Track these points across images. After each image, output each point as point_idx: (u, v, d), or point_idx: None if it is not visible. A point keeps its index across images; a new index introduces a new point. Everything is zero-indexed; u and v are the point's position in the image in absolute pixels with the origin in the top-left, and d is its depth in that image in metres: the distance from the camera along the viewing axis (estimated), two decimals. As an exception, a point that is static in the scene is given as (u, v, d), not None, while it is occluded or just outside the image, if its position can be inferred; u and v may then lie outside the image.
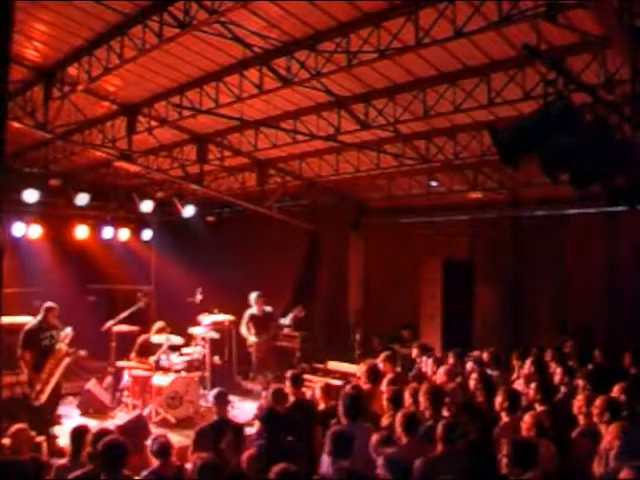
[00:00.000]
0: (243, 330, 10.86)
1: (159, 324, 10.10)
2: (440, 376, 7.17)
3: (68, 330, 8.41)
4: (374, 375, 7.09)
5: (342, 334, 12.99)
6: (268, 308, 11.08)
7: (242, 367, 11.84)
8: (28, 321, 8.42)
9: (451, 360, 8.41)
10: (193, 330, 10.48)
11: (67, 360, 8.30)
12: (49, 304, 8.36)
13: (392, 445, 4.78)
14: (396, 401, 5.95)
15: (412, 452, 4.68)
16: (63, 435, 7.80)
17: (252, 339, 10.75)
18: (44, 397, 7.93)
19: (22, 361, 7.99)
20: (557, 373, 7.25)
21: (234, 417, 7.38)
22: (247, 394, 10.65)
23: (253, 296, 10.93)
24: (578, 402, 5.60)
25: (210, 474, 4.18)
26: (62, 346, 8.24)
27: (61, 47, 7.93)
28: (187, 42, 7.22)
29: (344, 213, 13.80)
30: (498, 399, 5.77)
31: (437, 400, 5.78)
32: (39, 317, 8.26)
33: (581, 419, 5.47)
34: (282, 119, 9.68)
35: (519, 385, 7.02)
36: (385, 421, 5.86)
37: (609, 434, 4.50)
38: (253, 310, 10.87)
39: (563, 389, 6.82)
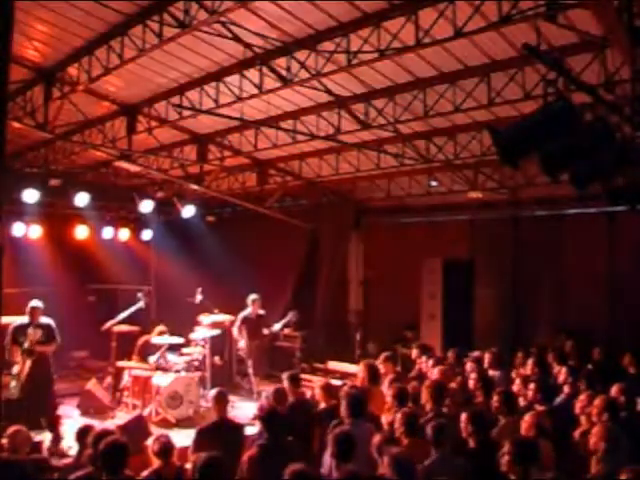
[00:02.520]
0: (235, 332, 10.86)
1: (159, 328, 10.10)
2: (435, 376, 7.15)
3: (31, 331, 8.40)
4: (373, 375, 7.08)
5: (342, 334, 12.99)
6: (262, 312, 11.08)
7: (242, 367, 11.84)
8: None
9: (451, 359, 8.40)
10: (193, 335, 10.45)
11: (30, 360, 8.24)
12: (33, 303, 8.45)
13: (396, 444, 4.76)
14: (401, 399, 5.93)
15: (414, 452, 4.67)
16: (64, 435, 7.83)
17: (242, 343, 10.77)
18: (16, 393, 8.00)
19: (11, 356, 8.10)
20: (562, 373, 7.20)
21: (234, 417, 7.38)
22: (247, 394, 10.63)
23: (250, 298, 10.92)
24: (580, 402, 5.58)
25: (212, 471, 4.16)
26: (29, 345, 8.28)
27: (61, 47, 7.93)
28: (187, 42, 7.23)
29: (344, 213, 13.80)
30: (493, 401, 5.77)
31: (439, 394, 5.78)
32: (26, 316, 8.39)
33: (583, 419, 5.45)
34: (282, 119, 9.68)
35: (517, 385, 7.00)
36: (389, 417, 5.84)
37: (593, 436, 4.45)
38: (247, 312, 10.84)
39: (566, 389, 6.77)
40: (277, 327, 11.69)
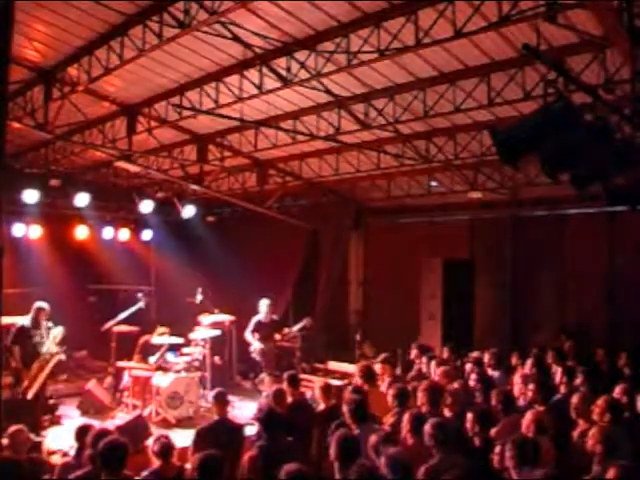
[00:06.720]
0: (248, 335, 10.81)
1: (161, 329, 10.09)
2: (438, 377, 7.14)
3: (59, 329, 8.41)
4: (369, 376, 7.08)
5: (342, 334, 12.99)
6: (274, 316, 11.09)
7: (242, 367, 11.85)
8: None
9: (445, 355, 8.37)
10: (194, 335, 10.45)
11: (54, 360, 8.26)
12: (39, 304, 8.40)
13: (394, 444, 4.74)
14: (402, 399, 5.92)
15: (417, 453, 4.65)
16: (63, 435, 7.82)
17: (256, 345, 10.72)
18: (31, 393, 7.95)
19: (11, 356, 8.02)
20: (558, 373, 7.21)
21: (234, 417, 7.38)
22: (247, 394, 10.63)
23: (263, 303, 10.90)
24: (574, 404, 5.56)
25: (211, 469, 4.16)
26: (51, 346, 8.27)
27: (61, 47, 7.93)
28: (187, 42, 7.23)
29: (344, 213, 13.81)
30: (492, 402, 5.76)
31: (436, 397, 5.76)
32: (30, 316, 8.31)
33: (580, 420, 5.43)
34: (282, 119, 9.68)
35: (517, 385, 6.99)
36: (390, 419, 5.81)
37: (591, 438, 4.44)
38: (260, 317, 10.82)
39: (563, 389, 6.77)
40: (291, 330, 11.63)
